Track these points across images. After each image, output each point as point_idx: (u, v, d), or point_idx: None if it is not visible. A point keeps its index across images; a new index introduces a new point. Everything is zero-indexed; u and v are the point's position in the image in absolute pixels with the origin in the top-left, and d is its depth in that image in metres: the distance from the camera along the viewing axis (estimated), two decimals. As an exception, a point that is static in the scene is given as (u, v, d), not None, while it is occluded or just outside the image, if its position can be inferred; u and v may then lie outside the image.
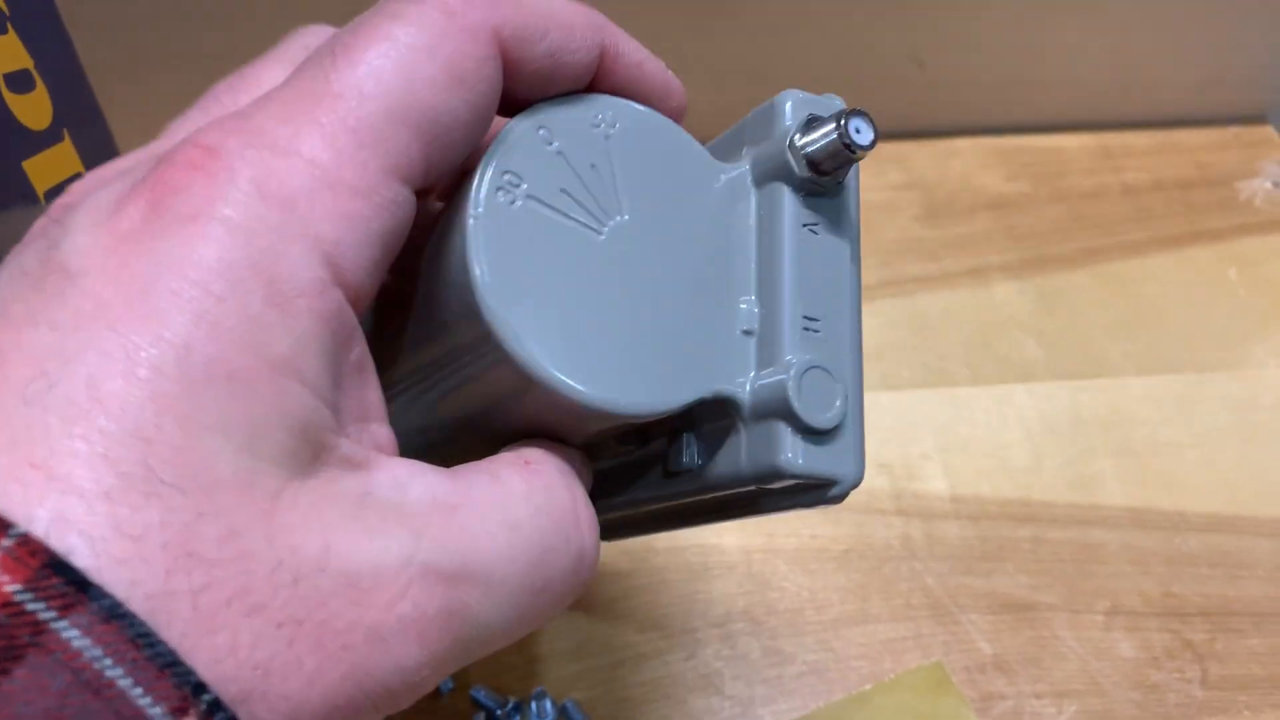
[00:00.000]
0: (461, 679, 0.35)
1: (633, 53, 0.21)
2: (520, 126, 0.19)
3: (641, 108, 0.21)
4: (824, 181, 0.21)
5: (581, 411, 0.19)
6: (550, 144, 0.20)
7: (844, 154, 0.20)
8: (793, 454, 0.20)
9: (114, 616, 0.13)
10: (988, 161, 0.51)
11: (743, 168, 0.22)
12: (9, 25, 0.29)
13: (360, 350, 0.17)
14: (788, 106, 0.21)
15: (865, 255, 0.46)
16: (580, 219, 0.20)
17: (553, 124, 0.20)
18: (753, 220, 0.21)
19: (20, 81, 0.29)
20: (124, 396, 0.14)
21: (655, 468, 0.23)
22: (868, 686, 0.35)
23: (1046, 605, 0.37)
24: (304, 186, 0.16)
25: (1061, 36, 0.50)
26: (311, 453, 0.15)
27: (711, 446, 0.22)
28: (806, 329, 0.20)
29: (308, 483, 0.15)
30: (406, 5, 0.17)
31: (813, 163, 0.20)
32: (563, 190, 0.20)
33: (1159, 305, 0.46)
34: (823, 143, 0.20)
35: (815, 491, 0.21)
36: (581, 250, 0.19)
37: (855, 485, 0.21)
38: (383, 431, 0.18)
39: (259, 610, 0.14)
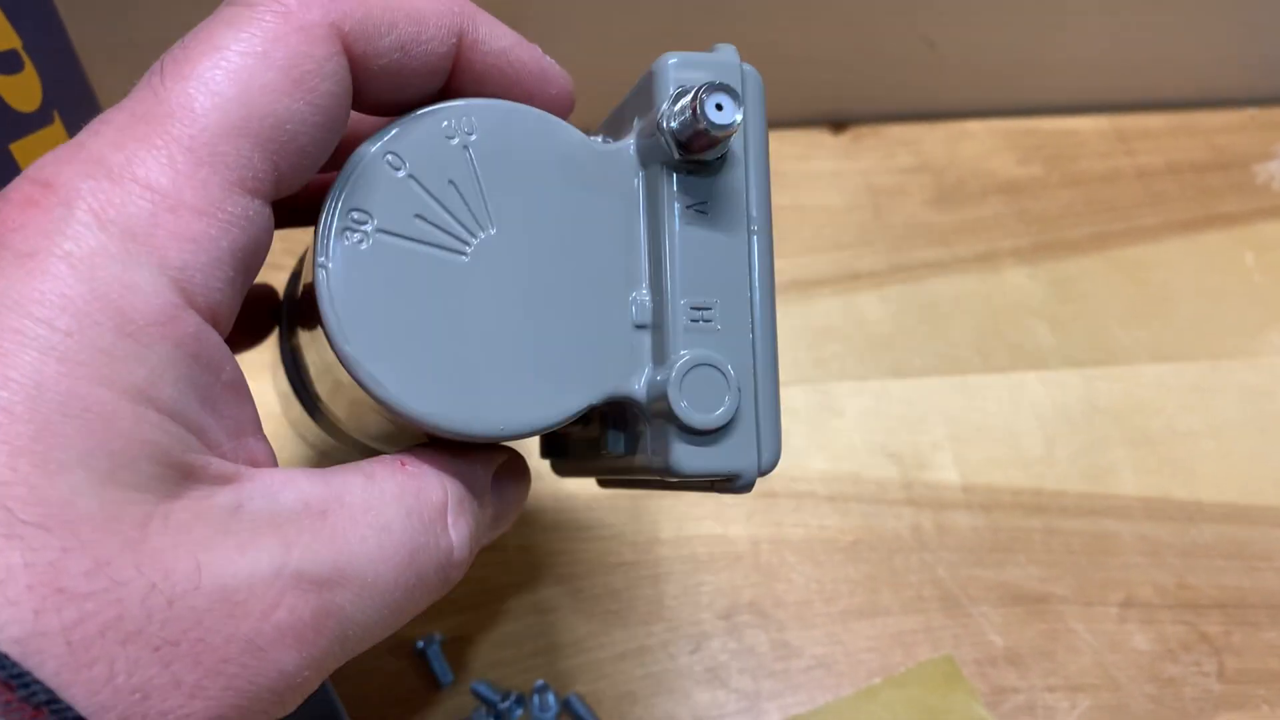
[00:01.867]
0: (461, 672, 0.34)
1: (497, 39, 0.20)
2: (365, 157, 0.19)
3: (501, 104, 0.20)
4: (703, 158, 0.19)
5: (465, 438, 0.19)
6: (399, 170, 0.19)
7: (704, 134, 0.18)
8: (680, 455, 0.19)
9: None
10: (999, 144, 0.50)
11: (624, 145, 0.20)
12: (-6, 3, 0.28)
13: (232, 369, 0.17)
14: (667, 73, 0.20)
15: (873, 239, 0.45)
16: (439, 243, 0.19)
17: (401, 147, 0.19)
18: (640, 203, 0.20)
19: (7, 62, 0.29)
20: None
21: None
22: (877, 680, 0.34)
23: (1059, 597, 0.37)
24: (144, 212, 0.15)
25: (1074, 16, 0.48)
26: (178, 475, 0.15)
27: (630, 437, 0.21)
28: (696, 320, 0.19)
29: (176, 504, 0.15)
30: (240, 9, 0.17)
31: (680, 143, 0.19)
32: (417, 216, 0.19)
33: (1173, 291, 0.45)
34: (680, 119, 0.18)
35: (720, 483, 0.20)
36: (443, 275, 0.19)
37: (765, 473, 0.20)
38: (259, 446, 0.18)
39: (134, 637, 0.14)
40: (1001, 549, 0.38)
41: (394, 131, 0.19)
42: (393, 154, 0.19)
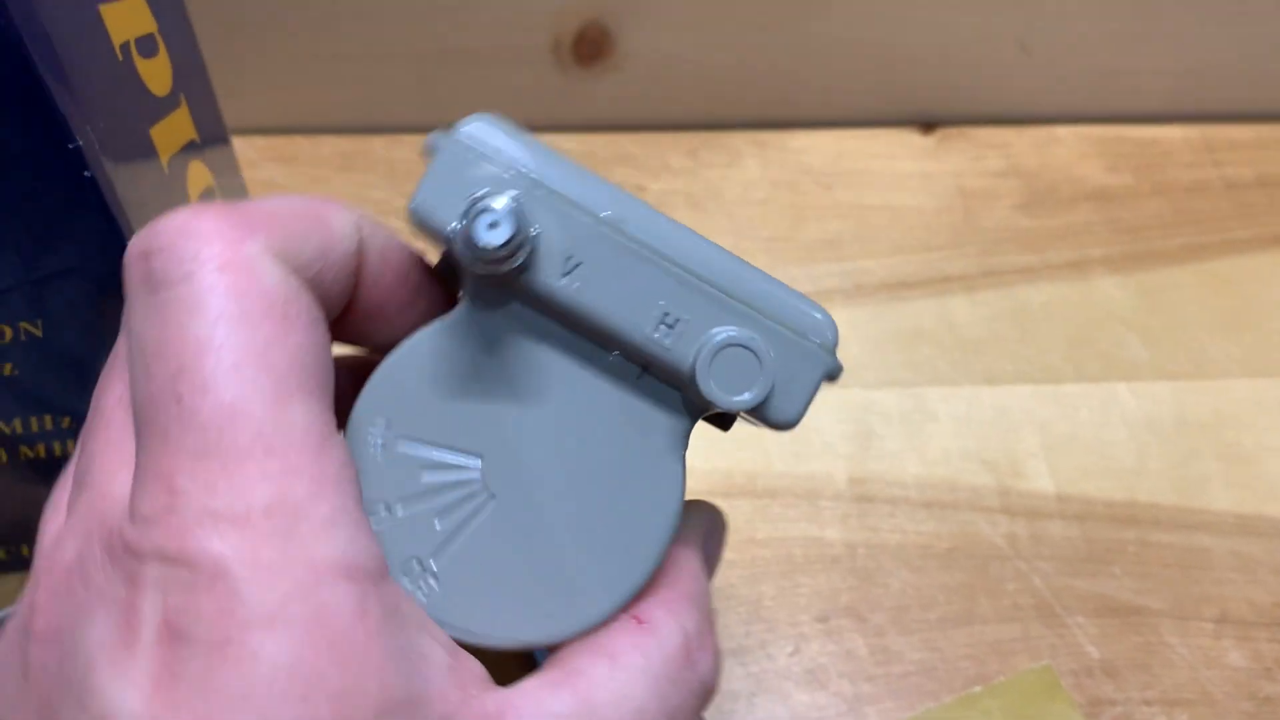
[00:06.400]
0: (563, 665, 0.34)
1: (379, 232, 0.19)
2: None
3: None
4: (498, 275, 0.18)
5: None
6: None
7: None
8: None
9: None
10: (1088, 151, 0.50)
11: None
12: (140, -12, 0.28)
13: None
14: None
15: (964, 242, 0.45)
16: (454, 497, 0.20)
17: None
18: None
19: (147, 46, 0.29)
20: None
21: None
22: (976, 689, 0.35)
23: (1154, 611, 0.37)
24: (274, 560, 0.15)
25: (1166, 24, 0.48)
26: None
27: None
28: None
29: None
30: (181, 289, 0.16)
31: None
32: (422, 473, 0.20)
33: (1265, 306, 0.45)
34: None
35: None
36: (472, 509, 0.20)
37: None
38: (492, 693, 0.18)
39: None
40: (1096, 560, 0.38)
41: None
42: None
